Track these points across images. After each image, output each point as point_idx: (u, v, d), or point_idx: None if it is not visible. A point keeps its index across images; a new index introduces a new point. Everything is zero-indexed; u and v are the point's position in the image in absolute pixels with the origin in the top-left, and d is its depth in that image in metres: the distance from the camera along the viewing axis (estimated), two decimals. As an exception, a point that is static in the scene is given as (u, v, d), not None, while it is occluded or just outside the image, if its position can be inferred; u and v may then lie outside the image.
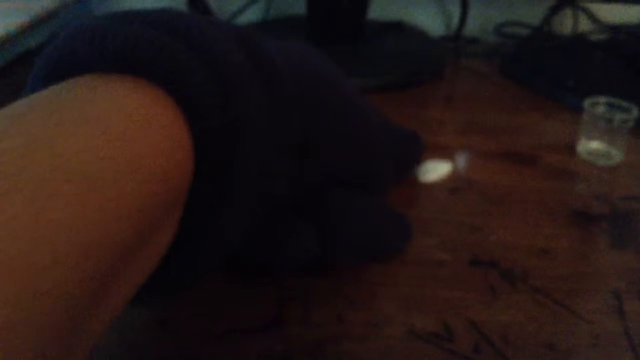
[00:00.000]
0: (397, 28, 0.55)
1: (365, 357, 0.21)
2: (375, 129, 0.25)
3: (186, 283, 0.17)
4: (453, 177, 0.33)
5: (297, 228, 0.22)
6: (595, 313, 0.23)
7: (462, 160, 0.35)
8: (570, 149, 0.36)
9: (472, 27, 0.61)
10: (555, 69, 0.49)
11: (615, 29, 0.56)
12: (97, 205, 0.11)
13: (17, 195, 0.10)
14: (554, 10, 0.59)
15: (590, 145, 0.35)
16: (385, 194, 0.27)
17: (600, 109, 0.35)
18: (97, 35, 0.14)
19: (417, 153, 0.32)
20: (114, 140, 0.12)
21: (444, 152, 0.35)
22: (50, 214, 0.10)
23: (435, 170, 0.32)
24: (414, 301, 0.23)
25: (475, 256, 0.26)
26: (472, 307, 0.23)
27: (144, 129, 0.13)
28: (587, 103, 0.35)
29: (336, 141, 0.22)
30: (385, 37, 0.52)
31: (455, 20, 0.59)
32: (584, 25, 0.60)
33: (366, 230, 0.24)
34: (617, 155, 0.35)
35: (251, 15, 0.59)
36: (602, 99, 0.35)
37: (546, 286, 0.24)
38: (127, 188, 0.12)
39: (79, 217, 0.11)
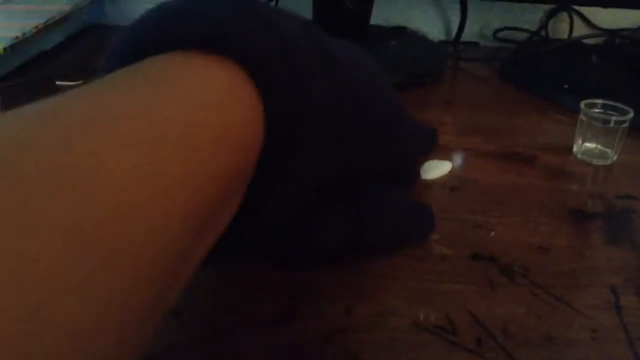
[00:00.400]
0: (400, 32, 0.56)
1: (372, 348, 0.21)
2: (410, 126, 0.27)
3: (232, 252, 0.18)
4: (454, 176, 0.34)
5: (333, 216, 0.23)
6: (592, 308, 0.24)
7: (462, 159, 0.36)
8: (567, 149, 0.37)
9: (471, 32, 0.62)
10: (552, 72, 0.50)
11: (611, 33, 0.57)
12: (199, 165, 0.13)
13: (141, 148, 0.11)
14: (551, 15, 0.60)
15: (587, 146, 0.36)
16: (410, 187, 0.29)
17: (597, 111, 0.36)
18: (181, 16, 0.15)
19: (432, 147, 0.33)
20: (210, 111, 0.14)
21: (444, 152, 0.36)
22: (168, 168, 0.12)
23: (437, 169, 0.33)
24: (418, 294, 0.24)
25: (476, 252, 0.27)
26: (473, 301, 0.24)
27: (232, 102, 0.14)
28: (583, 105, 0.36)
29: (382, 135, 0.23)
30: (388, 41, 0.53)
31: (455, 25, 0.60)
32: (580, 29, 0.61)
33: (398, 221, 0.25)
34: (612, 156, 0.36)
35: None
36: (598, 101, 0.36)
37: (545, 281, 0.25)
38: (221, 152, 0.14)
39: (188, 173, 0.12)
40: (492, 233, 0.28)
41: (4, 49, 0.44)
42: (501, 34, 0.62)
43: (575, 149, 0.37)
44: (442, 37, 0.64)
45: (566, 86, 0.46)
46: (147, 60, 0.15)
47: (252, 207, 0.17)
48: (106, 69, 0.16)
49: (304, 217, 0.22)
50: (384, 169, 0.25)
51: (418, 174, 0.31)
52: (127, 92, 0.13)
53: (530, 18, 0.63)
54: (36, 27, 0.49)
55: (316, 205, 0.23)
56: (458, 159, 0.36)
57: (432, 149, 0.34)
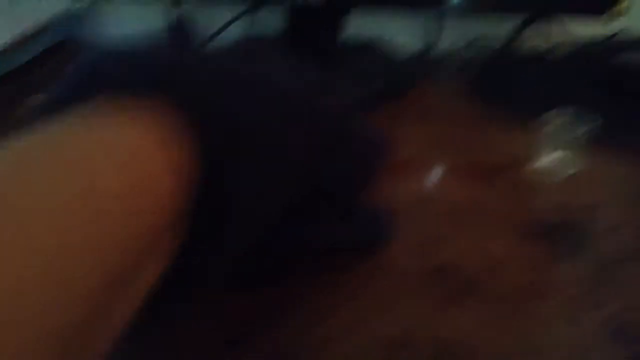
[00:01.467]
0: (371, 46, 0.56)
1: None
2: (359, 138, 0.26)
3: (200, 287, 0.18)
4: (417, 190, 0.34)
5: (290, 236, 0.23)
6: (552, 320, 0.24)
7: (428, 174, 0.36)
8: (532, 161, 0.37)
9: (445, 44, 0.63)
10: (523, 84, 0.50)
11: (582, 44, 0.58)
12: (104, 231, 0.13)
13: (35, 220, 0.11)
14: (524, 26, 0.61)
15: (551, 157, 0.37)
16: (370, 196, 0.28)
17: (561, 121, 0.36)
18: (116, 64, 0.16)
19: (380, 158, 0.32)
20: (118, 177, 0.14)
21: (411, 167, 0.36)
22: (71, 238, 0.12)
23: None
24: (376, 310, 0.24)
25: (436, 266, 0.27)
26: (432, 316, 0.24)
27: (155, 150, 0.14)
28: (548, 116, 0.36)
29: (322, 149, 0.23)
30: (358, 56, 0.53)
31: (429, 37, 0.61)
32: (554, 40, 0.61)
33: (354, 230, 0.26)
34: (575, 167, 0.36)
35: (236, 30, 0.60)
36: (563, 112, 0.36)
37: (505, 294, 0.25)
38: (131, 211, 0.13)
39: (88, 244, 0.12)
40: (454, 248, 0.28)
41: (-26, 66, 0.44)
42: (474, 46, 0.62)
43: (539, 160, 0.37)
44: (415, 49, 0.64)
45: (535, 98, 0.47)
46: (64, 117, 0.15)
47: (205, 245, 0.17)
48: (58, 93, 0.16)
49: (260, 239, 0.22)
50: (333, 182, 0.25)
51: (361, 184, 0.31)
52: (25, 157, 0.13)
53: (505, 28, 0.63)
54: (12, 39, 0.48)
55: (273, 225, 0.22)
56: (423, 173, 0.36)
57: (385, 158, 0.33)
